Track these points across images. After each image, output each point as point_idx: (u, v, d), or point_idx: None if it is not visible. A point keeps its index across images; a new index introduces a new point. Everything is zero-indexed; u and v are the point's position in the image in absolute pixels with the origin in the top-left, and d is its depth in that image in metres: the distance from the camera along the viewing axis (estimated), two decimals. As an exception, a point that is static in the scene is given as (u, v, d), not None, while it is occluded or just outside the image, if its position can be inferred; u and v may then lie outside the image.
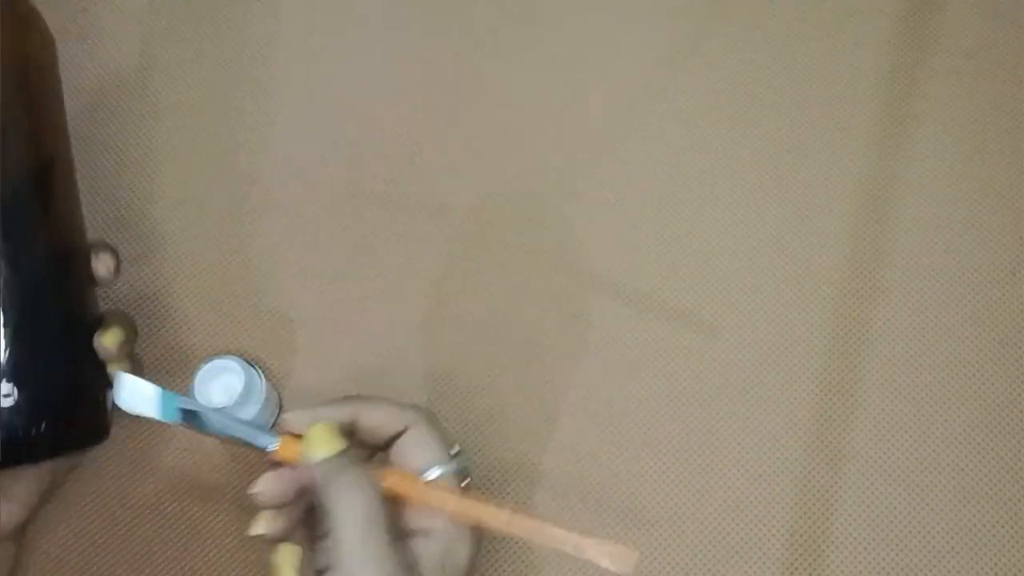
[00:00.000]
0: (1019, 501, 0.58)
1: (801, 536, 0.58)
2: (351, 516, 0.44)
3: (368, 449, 0.50)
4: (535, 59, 0.69)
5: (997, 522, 0.58)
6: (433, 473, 0.48)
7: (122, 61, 0.70)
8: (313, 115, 0.68)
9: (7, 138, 0.47)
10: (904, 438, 0.60)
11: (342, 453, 0.46)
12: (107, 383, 0.50)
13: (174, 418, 0.48)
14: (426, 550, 0.46)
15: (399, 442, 0.49)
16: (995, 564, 0.57)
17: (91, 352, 0.50)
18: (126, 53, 0.71)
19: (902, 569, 0.57)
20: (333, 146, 0.67)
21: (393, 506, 0.46)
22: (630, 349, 0.62)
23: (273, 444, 0.47)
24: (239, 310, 0.64)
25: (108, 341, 0.49)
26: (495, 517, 0.46)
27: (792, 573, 0.57)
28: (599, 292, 0.63)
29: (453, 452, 0.49)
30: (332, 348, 0.63)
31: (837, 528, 0.58)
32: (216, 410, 0.49)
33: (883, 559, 0.58)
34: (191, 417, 0.48)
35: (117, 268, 0.51)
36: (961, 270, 0.63)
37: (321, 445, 0.46)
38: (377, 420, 0.49)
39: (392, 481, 0.47)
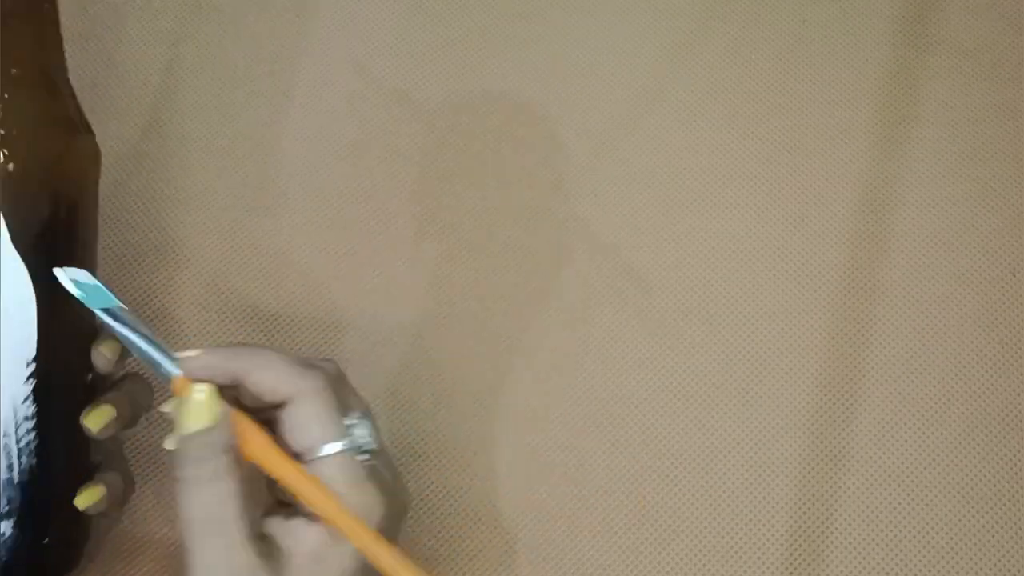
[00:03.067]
0: (1019, 501, 0.58)
1: (801, 536, 0.58)
2: (192, 517, 0.40)
3: (258, 414, 0.43)
4: (534, 58, 0.69)
5: (997, 522, 0.58)
6: (323, 451, 0.41)
7: (122, 60, 0.70)
8: (313, 115, 0.68)
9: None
10: (904, 438, 0.60)
11: (210, 431, 0.40)
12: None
13: (98, 306, 0.43)
14: (300, 544, 0.41)
15: (287, 413, 0.42)
16: (995, 564, 0.57)
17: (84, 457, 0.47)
18: (125, 53, 0.71)
19: (902, 569, 0.57)
20: (333, 146, 0.67)
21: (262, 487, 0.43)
22: (630, 349, 0.62)
23: (175, 373, 0.42)
24: (239, 310, 0.64)
25: (92, 422, 0.45)
26: (358, 536, 0.41)
27: (792, 573, 0.57)
28: (599, 292, 0.63)
29: (350, 423, 0.43)
30: (332, 348, 0.63)
31: (837, 528, 0.58)
32: (133, 326, 0.43)
33: (883, 559, 0.58)
34: (109, 315, 0.43)
35: (120, 358, 0.46)
36: (961, 270, 0.63)
37: (193, 417, 0.41)
38: (267, 384, 0.42)
39: (260, 456, 0.41)
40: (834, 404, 0.61)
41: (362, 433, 0.43)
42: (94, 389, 0.47)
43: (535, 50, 0.70)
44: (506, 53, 0.70)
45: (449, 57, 0.70)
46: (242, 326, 0.63)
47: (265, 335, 0.63)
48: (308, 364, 0.43)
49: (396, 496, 0.43)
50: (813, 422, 0.60)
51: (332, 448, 0.41)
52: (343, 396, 0.43)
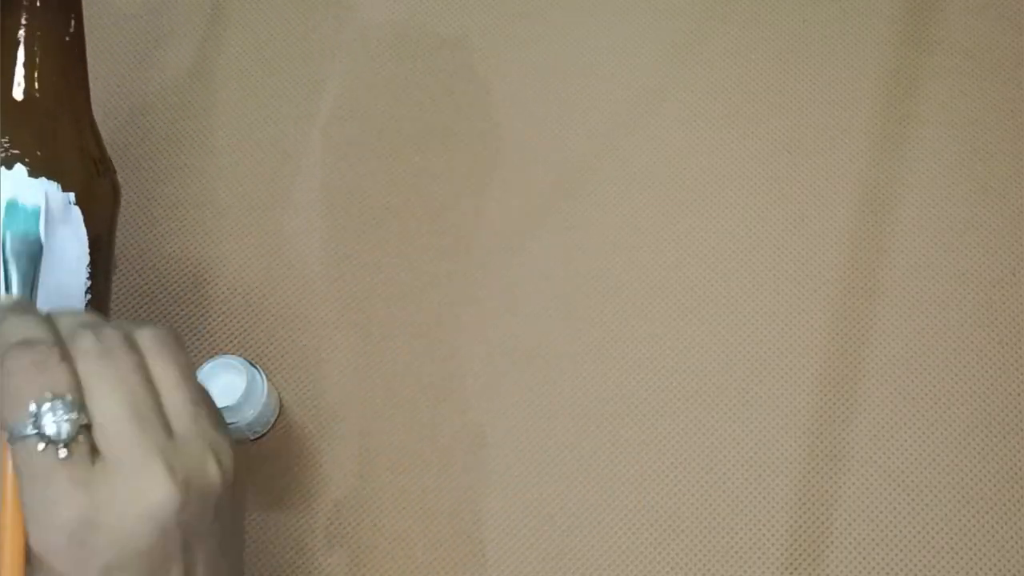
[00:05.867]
0: (1019, 502, 0.58)
1: (801, 536, 0.58)
2: None
3: None
4: (536, 58, 0.69)
5: (997, 522, 0.58)
6: (9, 436, 0.38)
7: (120, 60, 0.70)
8: (313, 114, 0.68)
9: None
10: (904, 438, 0.60)
11: None
12: None
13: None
14: None
15: None
16: (995, 564, 0.57)
17: None
18: (124, 52, 0.71)
19: (902, 569, 0.57)
20: (333, 145, 0.67)
21: None
22: (630, 349, 0.62)
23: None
24: (239, 310, 0.64)
25: None
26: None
27: (792, 573, 0.57)
28: (599, 292, 0.63)
29: (41, 407, 0.37)
30: (332, 348, 0.63)
31: (837, 528, 0.58)
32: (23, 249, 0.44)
33: (883, 559, 0.58)
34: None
35: None
36: (961, 270, 0.63)
37: None
38: None
39: None
40: (834, 404, 0.61)
41: (52, 420, 0.37)
42: None
43: (535, 50, 0.70)
44: (506, 53, 0.70)
45: (449, 57, 0.70)
46: (241, 325, 0.63)
47: (265, 334, 0.63)
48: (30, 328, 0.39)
49: (115, 491, 0.37)
50: (813, 422, 0.60)
51: (17, 433, 0.37)
52: (53, 374, 0.38)
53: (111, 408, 0.38)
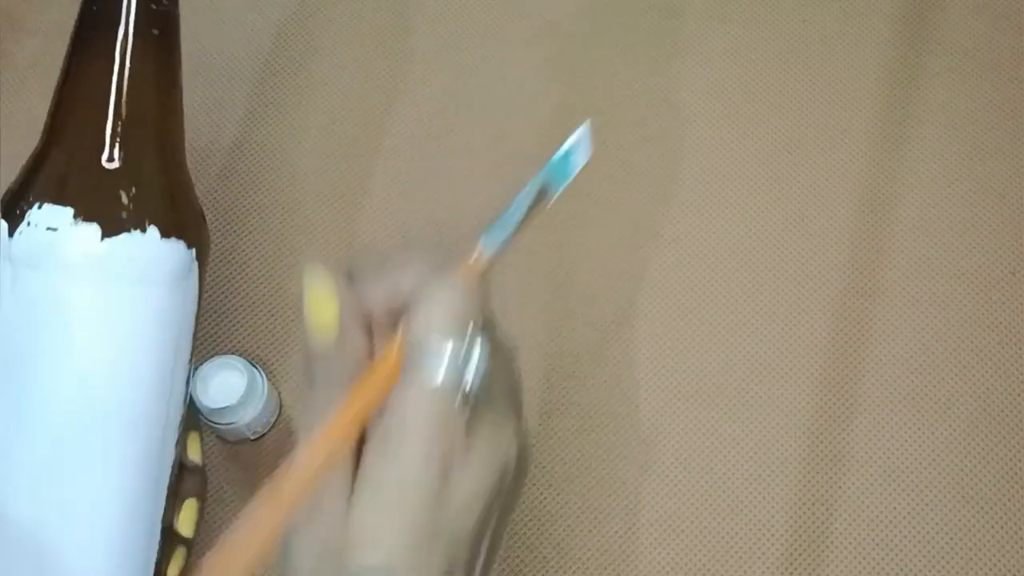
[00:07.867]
0: (1019, 502, 0.58)
1: (801, 536, 0.58)
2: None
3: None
4: (533, 57, 0.69)
5: (997, 523, 0.58)
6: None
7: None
8: (311, 114, 0.68)
9: None
10: (904, 438, 0.60)
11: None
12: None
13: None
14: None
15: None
16: (995, 565, 0.57)
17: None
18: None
19: (902, 569, 0.57)
20: (331, 145, 0.67)
21: None
22: (630, 349, 0.62)
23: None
24: (239, 310, 0.64)
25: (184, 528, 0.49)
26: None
27: (792, 573, 0.57)
28: (598, 292, 0.63)
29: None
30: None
31: (837, 528, 0.58)
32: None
33: (883, 559, 0.58)
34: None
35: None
36: (961, 270, 0.63)
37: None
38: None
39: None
40: (834, 404, 0.61)
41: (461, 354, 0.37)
42: None
43: (533, 49, 0.70)
44: (506, 53, 0.70)
45: (449, 57, 0.70)
46: (244, 326, 0.63)
47: (265, 334, 0.63)
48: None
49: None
50: (813, 422, 0.60)
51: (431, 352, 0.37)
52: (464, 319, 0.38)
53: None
